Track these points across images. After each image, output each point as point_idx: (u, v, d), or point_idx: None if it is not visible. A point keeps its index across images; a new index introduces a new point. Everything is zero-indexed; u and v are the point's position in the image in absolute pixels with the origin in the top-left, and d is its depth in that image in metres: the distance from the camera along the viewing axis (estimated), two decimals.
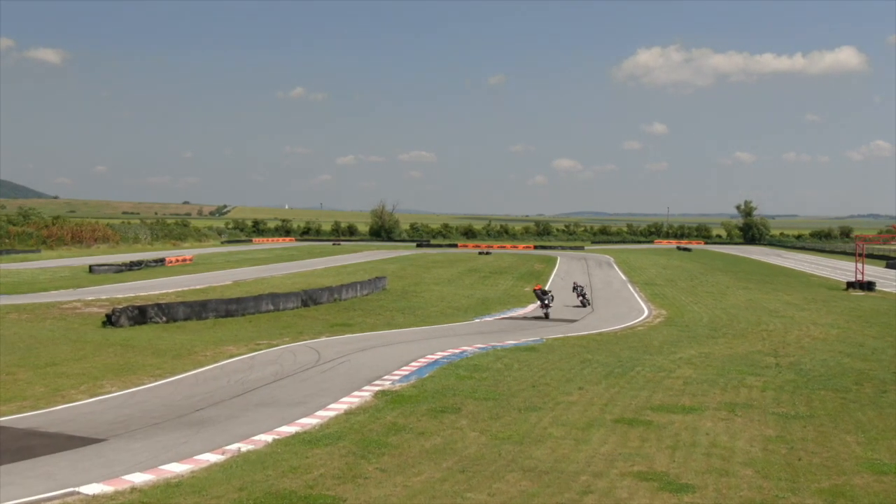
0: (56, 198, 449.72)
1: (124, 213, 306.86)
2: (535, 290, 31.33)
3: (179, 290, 35.22)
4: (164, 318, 24.98)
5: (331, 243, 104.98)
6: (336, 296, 32.46)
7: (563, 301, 35.26)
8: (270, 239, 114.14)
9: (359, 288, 34.88)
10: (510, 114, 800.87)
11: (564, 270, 57.50)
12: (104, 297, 31.59)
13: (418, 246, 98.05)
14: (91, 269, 43.96)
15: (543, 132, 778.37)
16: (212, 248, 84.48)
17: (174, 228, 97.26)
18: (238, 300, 27.56)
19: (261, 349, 20.83)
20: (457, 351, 20.82)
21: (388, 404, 14.40)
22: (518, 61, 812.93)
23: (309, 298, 30.47)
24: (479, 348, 21.38)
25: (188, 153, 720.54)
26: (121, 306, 25.59)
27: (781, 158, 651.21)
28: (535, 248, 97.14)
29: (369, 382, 16.47)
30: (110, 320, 24.14)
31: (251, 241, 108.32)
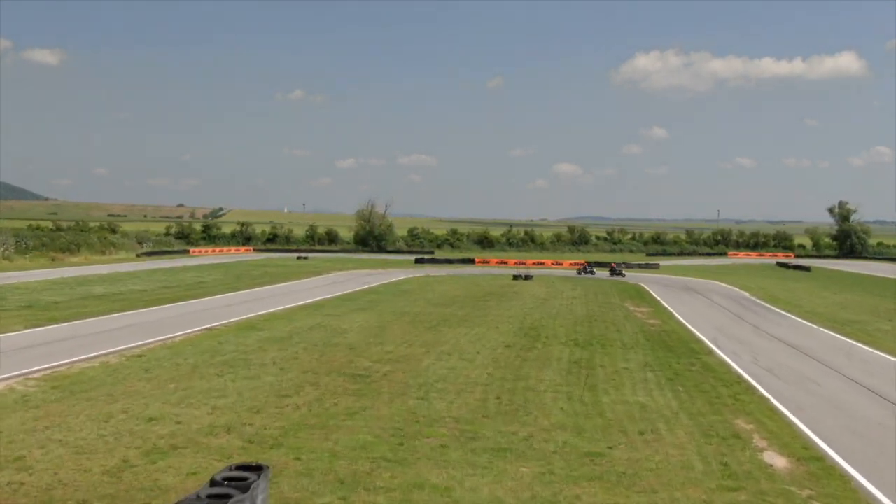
0: (46, 199, 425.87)
1: (110, 215, 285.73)
2: None
3: None
4: None
5: (296, 256, 75.10)
6: None
7: None
8: (218, 249, 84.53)
9: None
10: (509, 117, 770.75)
11: (706, 322, 27.84)
12: None
13: (418, 262, 68.29)
14: None
15: (543, 136, 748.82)
16: (100, 267, 54.81)
17: (62, 236, 67.65)
18: None
19: None
20: None
21: None
22: (515, 64, 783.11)
23: None
24: None
25: (187, 155, 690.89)
26: None
27: (782, 163, 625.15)
28: (588, 264, 67.30)
29: None
30: None
31: (188, 251, 78.70)
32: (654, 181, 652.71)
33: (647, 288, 45.96)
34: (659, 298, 39.45)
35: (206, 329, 23.84)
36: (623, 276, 55.96)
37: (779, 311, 34.88)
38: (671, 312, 33.14)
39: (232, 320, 26.13)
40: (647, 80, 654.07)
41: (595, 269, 59.64)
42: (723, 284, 50.19)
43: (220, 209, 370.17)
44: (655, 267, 65.18)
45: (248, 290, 38.71)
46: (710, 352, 22.78)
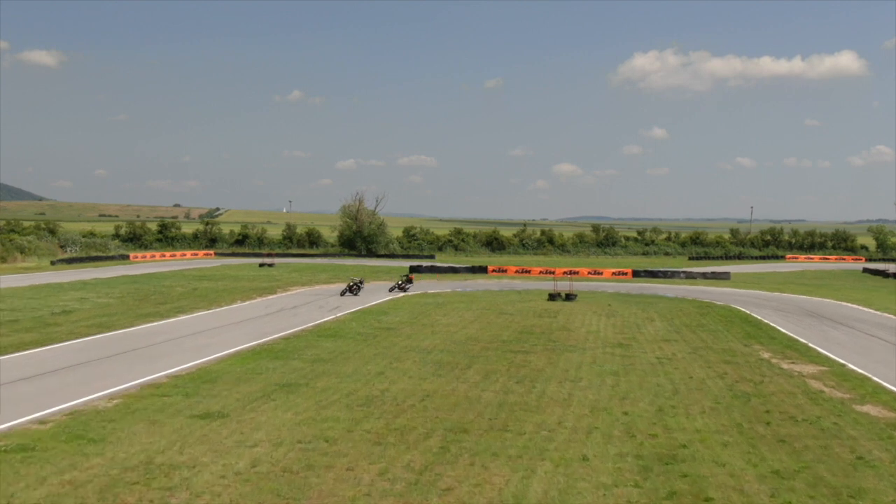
0: (41, 199, 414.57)
1: (101, 215, 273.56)
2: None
3: None
4: None
5: (258, 263, 59.42)
6: None
7: None
8: (170, 253, 68.90)
9: None
10: (509, 118, 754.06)
11: None
12: None
13: (414, 271, 52.66)
14: None
15: (543, 137, 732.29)
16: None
17: None
18: None
19: None
20: None
21: None
22: (514, 65, 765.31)
23: None
24: None
25: (186, 157, 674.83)
26: None
27: (782, 163, 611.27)
28: (634, 274, 51.76)
29: None
30: None
31: (128, 257, 63.07)
32: (655, 181, 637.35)
33: (755, 315, 30.41)
34: (803, 339, 23.92)
35: None
36: (406, 290, 38.17)
37: None
38: (872, 380, 17.63)
39: None
40: (646, 80, 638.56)
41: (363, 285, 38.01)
42: (851, 305, 34.72)
43: (217, 209, 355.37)
44: (726, 277, 49.53)
45: (122, 330, 23.16)
46: None
